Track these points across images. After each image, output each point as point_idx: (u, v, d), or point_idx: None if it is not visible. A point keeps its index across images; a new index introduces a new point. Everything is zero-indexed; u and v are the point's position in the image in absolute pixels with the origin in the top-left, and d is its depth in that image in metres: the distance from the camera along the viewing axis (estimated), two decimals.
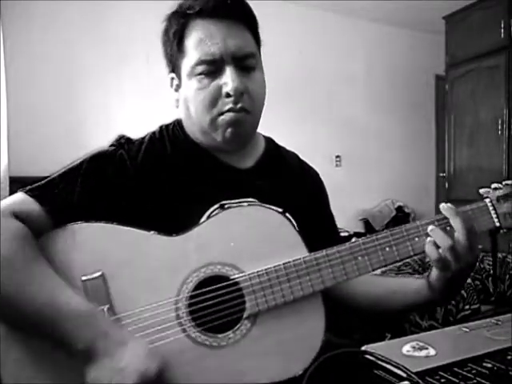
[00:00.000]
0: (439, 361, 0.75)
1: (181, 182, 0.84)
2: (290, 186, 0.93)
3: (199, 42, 0.81)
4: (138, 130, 0.91)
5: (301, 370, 0.70)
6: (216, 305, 0.71)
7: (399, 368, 0.69)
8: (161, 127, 0.91)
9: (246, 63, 0.83)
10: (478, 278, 1.92)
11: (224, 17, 0.81)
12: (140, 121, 2.09)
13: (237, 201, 0.83)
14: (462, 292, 1.75)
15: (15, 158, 2.72)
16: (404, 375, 0.68)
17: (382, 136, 4.78)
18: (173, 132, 0.90)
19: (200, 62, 0.81)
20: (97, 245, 0.73)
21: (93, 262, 0.71)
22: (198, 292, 0.71)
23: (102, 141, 0.88)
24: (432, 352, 0.79)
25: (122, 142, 0.85)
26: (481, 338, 0.85)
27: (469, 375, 0.70)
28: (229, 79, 0.80)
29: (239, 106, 0.81)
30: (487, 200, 0.78)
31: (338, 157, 4.58)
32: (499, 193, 0.78)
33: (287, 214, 0.81)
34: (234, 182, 0.87)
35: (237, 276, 0.72)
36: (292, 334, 0.72)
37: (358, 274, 0.75)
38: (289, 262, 0.73)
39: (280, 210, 0.82)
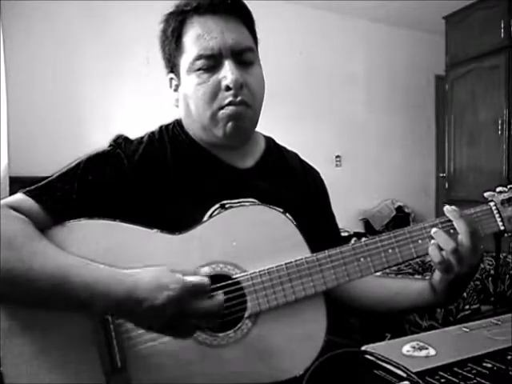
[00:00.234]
0: (439, 361, 0.75)
1: (181, 181, 0.84)
2: (291, 185, 0.93)
3: (197, 37, 0.81)
4: (138, 130, 0.91)
5: (302, 370, 0.70)
6: None
7: (399, 368, 0.69)
8: (160, 127, 0.91)
9: (245, 57, 0.83)
10: (478, 278, 1.92)
11: (221, 12, 0.82)
12: (140, 121, 2.09)
13: (238, 201, 0.83)
14: None
15: (15, 158, 2.72)
16: (404, 375, 0.68)
17: (381, 136, 4.78)
18: (172, 132, 0.90)
19: (199, 57, 0.81)
20: (98, 241, 0.73)
21: (94, 258, 0.71)
22: None
23: (102, 141, 0.88)
24: (432, 352, 0.79)
25: (120, 142, 0.85)
26: (481, 337, 0.85)
27: (469, 375, 0.70)
28: (228, 72, 0.80)
29: (239, 99, 0.81)
30: (492, 203, 0.78)
31: (338, 157, 4.58)
32: (504, 196, 0.78)
33: (287, 214, 0.81)
34: (234, 181, 0.87)
35: (238, 275, 0.72)
36: (293, 334, 0.72)
37: (361, 276, 0.75)
38: (291, 262, 0.73)
39: (281, 210, 0.82)
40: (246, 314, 0.72)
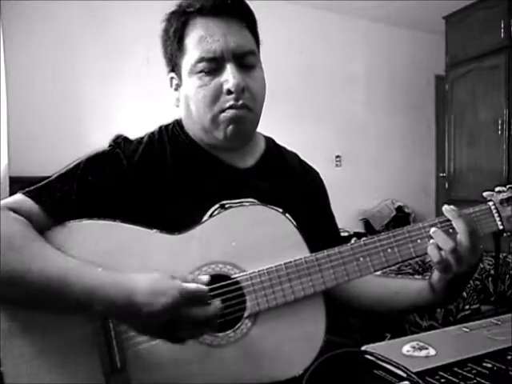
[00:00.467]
0: (439, 361, 0.75)
1: (180, 181, 0.84)
2: (291, 186, 0.93)
3: (200, 39, 0.81)
4: (138, 130, 0.91)
5: (301, 370, 0.70)
6: None
7: (399, 368, 0.69)
8: (160, 127, 0.91)
9: (247, 61, 0.83)
10: (478, 278, 1.92)
11: (224, 15, 0.81)
12: (140, 121, 2.09)
13: (237, 201, 0.83)
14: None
15: (15, 158, 2.72)
16: (404, 375, 0.68)
17: (381, 136, 4.78)
18: (172, 132, 0.90)
19: (201, 60, 0.81)
20: (98, 242, 0.73)
21: (94, 259, 0.71)
22: None
23: (102, 141, 0.88)
24: (432, 352, 0.79)
25: (119, 142, 0.85)
26: (481, 337, 0.86)
27: (469, 375, 0.70)
28: (230, 76, 0.80)
29: (240, 102, 0.82)
30: (490, 203, 0.78)
31: (338, 157, 4.58)
32: (503, 196, 0.78)
33: (287, 215, 0.81)
34: (234, 181, 0.87)
35: (238, 275, 0.72)
36: (293, 334, 0.72)
37: (360, 275, 0.75)
38: (290, 261, 0.73)
39: (280, 210, 0.82)
40: (246, 314, 0.72)
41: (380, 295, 0.89)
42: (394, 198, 4.67)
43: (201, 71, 0.82)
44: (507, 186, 0.79)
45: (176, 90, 0.89)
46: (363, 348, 0.79)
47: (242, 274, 0.72)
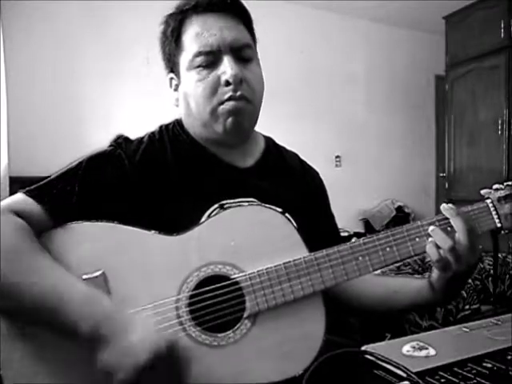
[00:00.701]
0: (439, 361, 0.75)
1: (180, 181, 0.84)
2: (290, 185, 0.93)
3: (196, 35, 0.82)
4: (138, 130, 0.91)
5: (301, 370, 0.70)
6: (216, 304, 0.71)
7: (399, 368, 0.69)
8: (160, 127, 0.91)
9: (244, 54, 0.84)
10: (478, 278, 1.92)
11: (219, 11, 0.83)
12: (140, 121, 2.09)
13: (237, 200, 0.83)
14: (462, 292, 1.75)
15: (15, 158, 2.73)
16: (404, 375, 0.68)
17: (381, 136, 4.78)
18: (173, 131, 0.90)
19: (198, 54, 0.82)
20: (97, 244, 0.73)
21: (93, 261, 0.71)
22: (198, 291, 0.71)
23: (102, 141, 0.88)
24: (432, 352, 0.79)
25: (120, 142, 0.85)
26: (481, 337, 0.85)
27: (469, 375, 0.70)
28: (227, 68, 0.81)
29: (239, 93, 0.82)
30: (488, 201, 0.78)
31: (337, 157, 4.58)
32: (500, 193, 0.78)
33: (287, 214, 0.81)
34: (233, 181, 0.87)
35: (237, 275, 0.72)
36: (292, 334, 0.72)
37: (359, 274, 0.75)
38: (289, 261, 0.73)
39: (280, 210, 0.82)
40: (245, 315, 0.72)
41: (379, 294, 0.89)
42: (393, 198, 4.67)
43: (199, 66, 0.82)
44: (505, 184, 0.79)
45: (175, 90, 0.90)
46: (363, 348, 0.79)
47: (241, 274, 0.72)
